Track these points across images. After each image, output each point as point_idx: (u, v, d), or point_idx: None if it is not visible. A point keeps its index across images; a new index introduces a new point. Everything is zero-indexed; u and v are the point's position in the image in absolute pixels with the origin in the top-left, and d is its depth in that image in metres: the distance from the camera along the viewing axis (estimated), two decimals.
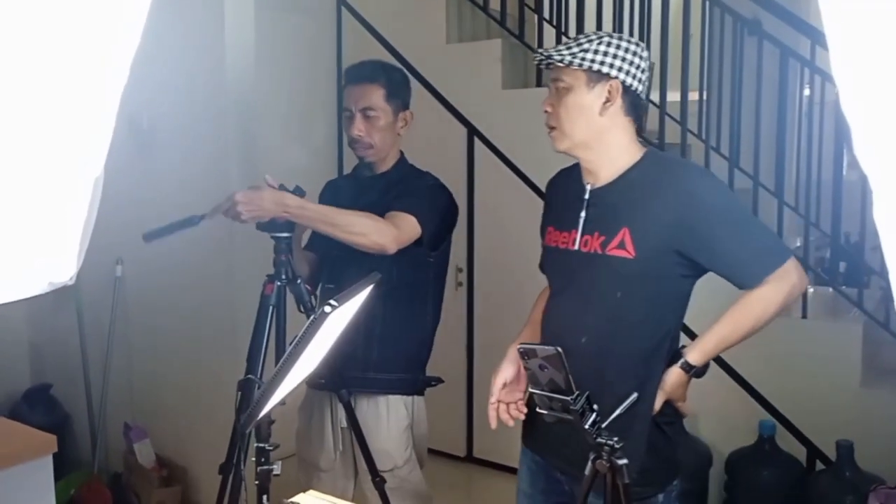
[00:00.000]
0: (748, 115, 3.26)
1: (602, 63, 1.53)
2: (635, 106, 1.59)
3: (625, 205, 1.55)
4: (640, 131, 1.64)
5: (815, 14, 3.11)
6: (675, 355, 1.57)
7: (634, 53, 1.55)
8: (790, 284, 1.52)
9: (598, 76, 1.54)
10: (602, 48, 1.54)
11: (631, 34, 3.49)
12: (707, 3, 3.37)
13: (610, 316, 1.56)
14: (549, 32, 3.58)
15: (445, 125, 3.55)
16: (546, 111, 1.61)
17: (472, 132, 3.54)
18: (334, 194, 2.16)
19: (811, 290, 3.33)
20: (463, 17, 3.79)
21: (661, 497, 1.57)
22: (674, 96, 3.37)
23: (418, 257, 2.03)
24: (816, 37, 3.03)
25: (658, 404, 1.52)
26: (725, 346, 1.57)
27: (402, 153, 2.17)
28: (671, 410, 1.59)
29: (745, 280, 1.53)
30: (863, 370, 2.92)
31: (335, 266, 2.02)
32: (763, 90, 3.19)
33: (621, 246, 1.52)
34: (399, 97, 2.08)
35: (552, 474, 1.68)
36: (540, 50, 1.62)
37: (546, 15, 3.64)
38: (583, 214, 1.59)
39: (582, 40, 1.57)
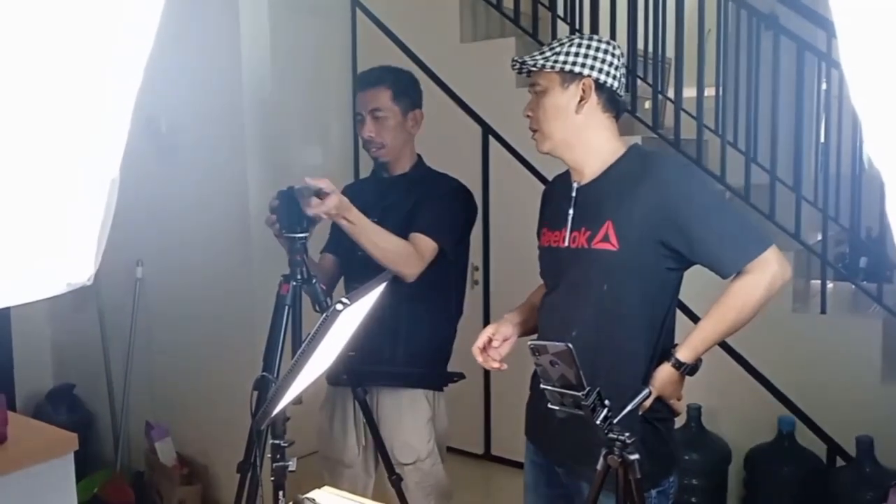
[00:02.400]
0: (765, 110, 3.24)
1: (574, 63, 1.59)
2: (612, 101, 1.64)
3: (608, 199, 1.59)
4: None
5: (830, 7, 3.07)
6: (666, 352, 1.58)
7: (606, 52, 1.61)
8: (771, 273, 1.53)
9: (570, 76, 1.60)
10: (573, 49, 1.60)
11: (646, 29, 3.48)
12: None
13: (598, 309, 1.59)
14: (563, 29, 3.57)
15: (460, 124, 3.56)
16: (528, 116, 1.67)
17: (487, 131, 3.54)
18: (355, 198, 2.18)
19: (830, 285, 3.30)
20: (477, 16, 3.79)
21: (653, 493, 1.58)
22: (691, 92, 3.35)
23: (438, 257, 2.06)
24: (833, 30, 3.00)
25: (648, 401, 1.53)
26: (713, 339, 1.59)
27: (419, 156, 2.20)
28: (663, 407, 1.61)
29: (724, 268, 1.55)
30: (883, 365, 2.89)
31: (361, 266, 2.03)
32: (780, 84, 3.17)
33: (605, 239, 1.56)
34: (407, 97, 2.12)
35: (552, 468, 1.72)
36: (514, 57, 1.67)
37: (560, 12, 3.64)
38: (570, 212, 1.64)
39: (554, 44, 1.64)
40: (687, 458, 2.91)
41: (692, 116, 3.35)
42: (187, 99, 3.03)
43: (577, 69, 1.59)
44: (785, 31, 3.18)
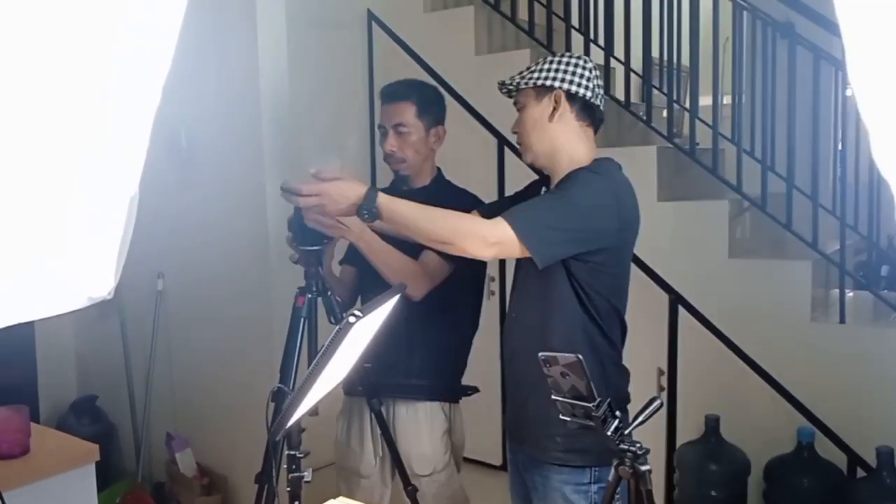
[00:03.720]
0: (782, 118, 3.23)
1: (546, 78, 1.75)
2: (588, 109, 1.77)
3: None
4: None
5: None
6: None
7: (576, 65, 1.76)
8: (488, 231, 1.65)
9: (543, 90, 1.75)
10: (546, 66, 1.76)
11: (661, 39, 3.49)
12: (737, 7, 3.35)
13: (536, 298, 1.76)
14: (578, 40, 3.59)
15: (476, 135, 3.58)
16: (514, 132, 1.83)
17: (503, 142, 3.56)
18: None
19: (850, 294, 3.27)
20: (492, 29, 3.82)
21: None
22: (707, 101, 3.35)
23: (455, 273, 2.07)
24: None
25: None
26: (405, 214, 1.67)
27: (439, 169, 2.22)
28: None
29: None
30: None
31: (377, 277, 2.04)
32: (797, 92, 3.15)
33: None
34: (431, 113, 2.14)
35: (514, 459, 1.93)
36: (498, 81, 1.84)
37: (574, 23, 3.65)
38: None
39: (531, 65, 1.80)
40: (706, 469, 2.90)
41: (708, 125, 3.35)
42: (207, 114, 3.08)
43: (548, 83, 1.75)
44: (801, 41, 3.18)
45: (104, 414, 3.54)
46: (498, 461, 3.73)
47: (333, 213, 1.72)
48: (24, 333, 3.26)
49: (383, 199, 1.65)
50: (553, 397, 1.32)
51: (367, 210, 1.64)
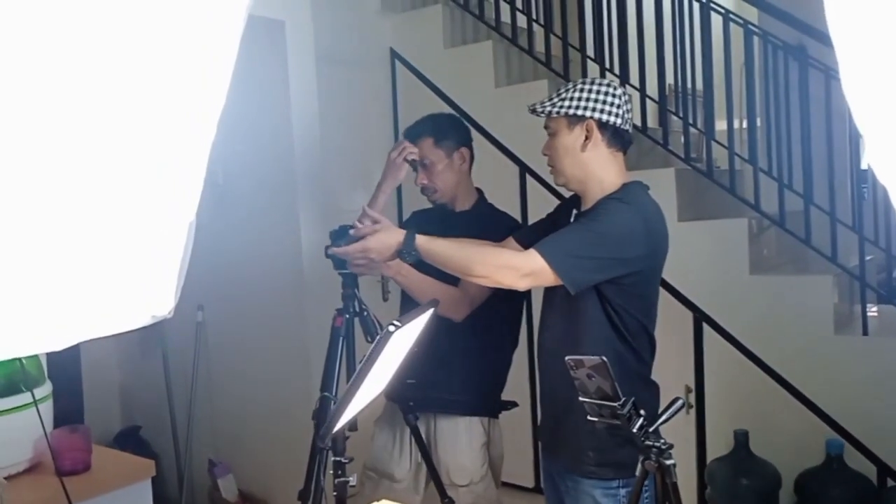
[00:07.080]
0: (797, 137, 3.30)
1: (577, 107, 1.78)
2: (618, 136, 1.81)
3: None
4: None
5: None
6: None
7: (606, 93, 1.78)
8: (521, 262, 1.72)
9: (575, 119, 1.78)
10: (576, 94, 1.78)
11: (675, 65, 3.59)
12: (748, 32, 3.45)
13: (567, 317, 1.81)
14: (594, 69, 3.70)
15: (499, 164, 3.70)
16: (545, 154, 1.87)
17: (524, 169, 3.68)
18: (422, 225, 2.22)
19: (876, 308, 3.30)
20: (510, 62, 3.95)
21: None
22: (724, 124, 3.44)
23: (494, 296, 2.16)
24: None
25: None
26: (441, 252, 1.78)
27: (480, 192, 2.34)
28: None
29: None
30: None
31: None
32: (811, 112, 3.23)
33: None
34: (448, 139, 2.26)
35: (547, 469, 1.97)
36: (528, 105, 1.88)
37: (590, 52, 3.77)
38: None
39: (562, 91, 1.82)
40: (737, 484, 2.93)
41: (724, 147, 3.43)
42: (242, 151, 3.24)
43: (580, 112, 1.78)
44: (812, 62, 3.26)
45: (148, 443, 3.65)
46: (531, 483, 3.78)
47: (381, 262, 1.87)
48: (70, 367, 3.39)
49: (421, 241, 1.80)
50: (580, 399, 1.41)
51: (407, 252, 1.81)
